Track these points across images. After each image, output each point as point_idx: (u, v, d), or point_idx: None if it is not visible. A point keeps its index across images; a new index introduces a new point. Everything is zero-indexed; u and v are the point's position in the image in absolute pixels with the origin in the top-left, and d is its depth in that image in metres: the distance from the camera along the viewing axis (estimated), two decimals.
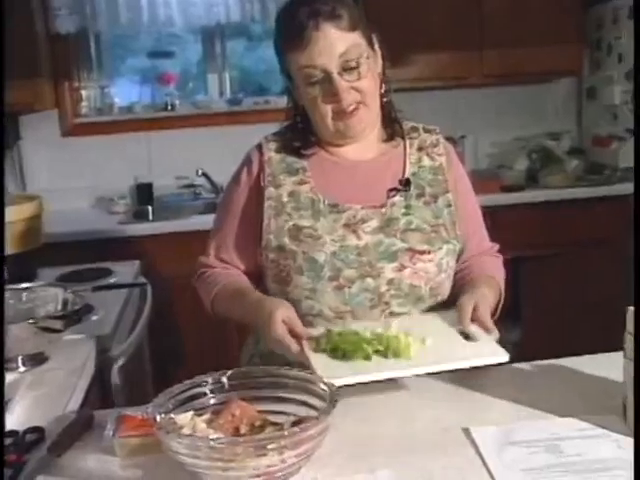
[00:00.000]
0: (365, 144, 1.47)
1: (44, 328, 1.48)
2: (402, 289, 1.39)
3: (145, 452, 1.07)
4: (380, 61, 1.44)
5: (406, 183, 1.45)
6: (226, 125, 3.65)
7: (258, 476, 0.93)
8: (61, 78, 3.56)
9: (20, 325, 1.45)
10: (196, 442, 0.93)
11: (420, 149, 1.50)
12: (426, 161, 1.49)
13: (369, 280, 1.37)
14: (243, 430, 1.02)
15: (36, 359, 1.51)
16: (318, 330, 1.31)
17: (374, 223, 1.40)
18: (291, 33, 1.35)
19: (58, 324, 1.50)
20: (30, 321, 1.48)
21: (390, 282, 1.38)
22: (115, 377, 1.74)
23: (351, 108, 1.38)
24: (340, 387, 1.07)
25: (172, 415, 1.03)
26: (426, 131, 1.54)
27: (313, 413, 1.01)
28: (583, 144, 3.85)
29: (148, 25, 3.52)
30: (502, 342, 1.26)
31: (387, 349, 1.21)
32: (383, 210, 1.42)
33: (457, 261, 1.49)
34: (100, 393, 1.65)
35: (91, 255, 2.52)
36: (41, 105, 3.35)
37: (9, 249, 2.03)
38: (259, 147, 1.50)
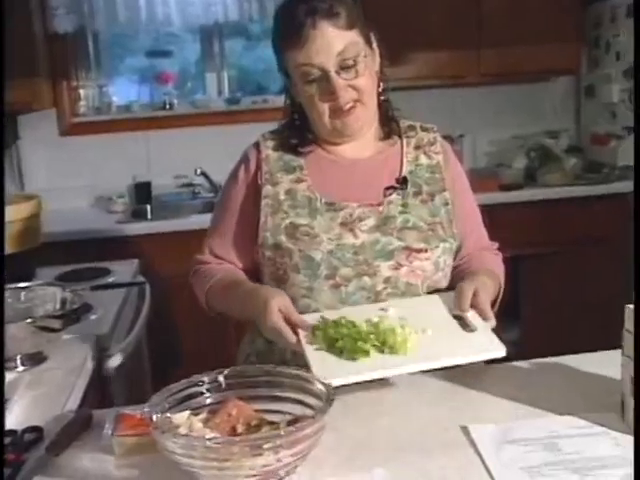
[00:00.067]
0: (362, 142, 1.47)
1: (42, 327, 1.48)
2: (399, 287, 1.38)
3: (143, 451, 1.07)
4: (378, 59, 1.44)
5: (403, 181, 1.45)
6: (224, 124, 3.64)
7: (254, 476, 0.92)
8: (59, 77, 3.56)
9: (18, 324, 1.46)
10: (191, 442, 0.93)
11: (417, 147, 1.50)
12: (423, 159, 1.49)
13: (365, 278, 1.37)
14: (240, 429, 1.01)
15: (35, 358, 1.51)
16: (312, 317, 1.30)
17: (371, 221, 1.40)
18: (289, 31, 1.36)
19: (57, 323, 1.50)
20: (28, 320, 1.48)
21: (387, 280, 1.38)
22: (114, 376, 1.74)
23: (348, 106, 1.38)
24: (337, 386, 1.07)
25: (168, 414, 1.02)
26: (423, 129, 1.53)
27: (309, 412, 1.01)
28: (581, 142, 3.85)
29: (146, 24, 3.52)
30: (501, 340, 1.25)
31: (383, 344, 1.20)
32: (380, 208, 1.42)
33: (455, 259, 1.49)
34: (99, 392, 1.65)
35: (89, 254, 2.52)
36: (39, 104, 3.35)
37: (8, 248, 2.03)
38: (257, 145, 1.50)
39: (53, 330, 1.50)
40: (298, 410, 1.05)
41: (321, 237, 1.38)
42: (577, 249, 3.32)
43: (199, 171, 3.54)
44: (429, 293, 1.41)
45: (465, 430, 1.11)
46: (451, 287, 1.41)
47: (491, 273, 1.44)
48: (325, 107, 1.38)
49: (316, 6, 1.33)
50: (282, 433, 0.93)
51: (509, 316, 2.94)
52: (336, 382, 1.08)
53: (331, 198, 1.42)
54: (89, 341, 1.65)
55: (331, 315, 1.30)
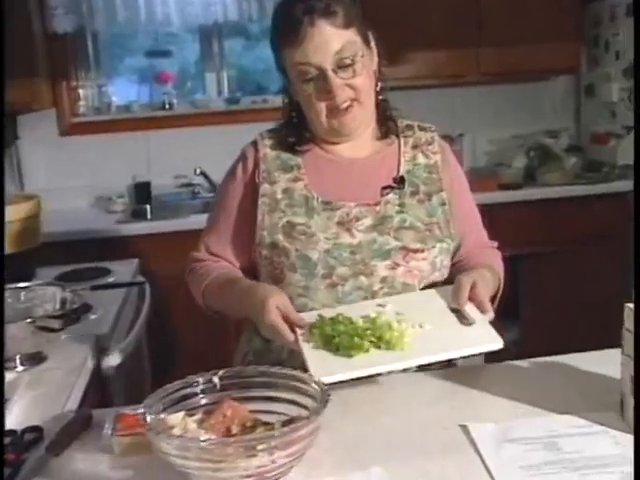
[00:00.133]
0: (360, 142, 1.47)
1: (42, 327, 1.48)
2: (395, 287, 1.38)
3: (143, 451, 1.06)
4: (376, 59, 1.44)
5: (400, 181, 1.45)
6: (224, 124, 3.64)
7: (249, 477, 0.92)
8: (59, 77, 3.56)
9: (18, 324, 1.46)
10: (186, 443, 0.93)
11: (415, 147, 1.50)
12: (421, 159, 1.49)
13: (362, 278, 1.37)
14: (234, 430, 1.01)
15: (34, 358, 1.51)
16: (310, 316, 1.30)
17: (368, 221, 1.40)
18: (286, 29, 1.36)
19: (56, 323, 1.50)
20: (28, 320, 1.48)
21: (383, 280, 1.37)
22: (113, 376, 1.74)
23: (345, 105, 1.38)
24: (334, 383, 1.07)
25: (163, 415, 1.02)
26: (421, 129, 1.53)
27: (304, 413, 1.01)
28: (581, 141, 3.85)
29: (146, 24, 3.52)
30: (500, 336, 1.25)
31: (380, 339, 1.20)
32: (377, 208, 1.42)
33: (453, 258, 1.49)
34: (98, 392, 1.65)
35: (89, 254, 2.52)
36: (39, 104, 3.35)
37: (8, 248, 2.03)
38: (254, 143, 1.50)
39: (53, 330, 1.50)
40: (293, 411, 1.04)
41: (318, 236, 1.38)
42: (577, 248, 3.32)
43: (199, 171, 3.54)
44: (427, 287, 1.41)
45: (465, 429, 1.10)
46: (450, 282, 1.40)
47: (490, 268, 1.44)
48: (322, 106, 1.38)
49: (314, 5, 1.33)
50: (276, 434, 0.93)
51: (509, 316, 2.95)
52: (333, 379, 1.08)
53: (328, 197, 1.42)
54: (89, 341, 1.65)
55: (329, 313, 1.30)
